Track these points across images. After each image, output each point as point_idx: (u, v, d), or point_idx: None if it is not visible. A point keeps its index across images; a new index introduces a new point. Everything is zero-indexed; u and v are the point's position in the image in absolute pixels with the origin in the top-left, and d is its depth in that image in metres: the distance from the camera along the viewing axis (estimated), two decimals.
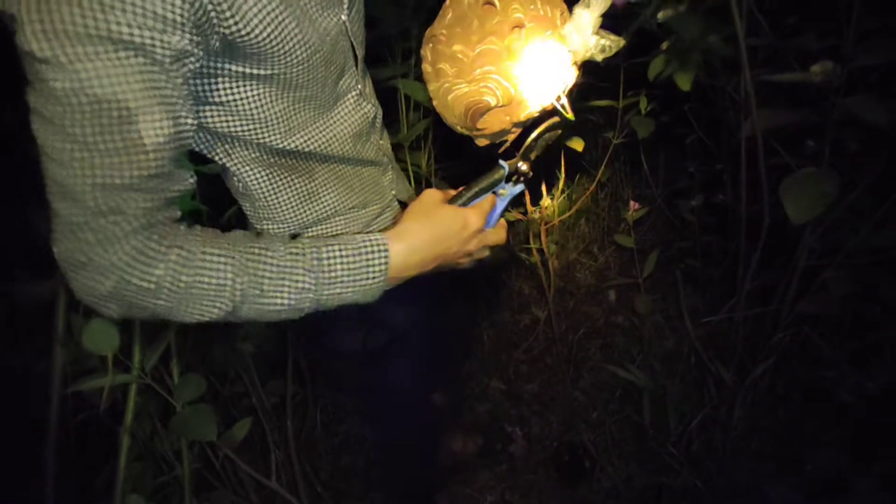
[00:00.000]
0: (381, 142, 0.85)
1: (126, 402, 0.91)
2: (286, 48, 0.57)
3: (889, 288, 1.07)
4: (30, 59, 0.45)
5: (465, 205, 0.70)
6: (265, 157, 0.70)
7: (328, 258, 0.61)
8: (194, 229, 0.58)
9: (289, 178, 0.73)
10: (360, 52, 0.75)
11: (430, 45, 0.75)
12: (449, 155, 1.53)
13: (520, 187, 0.72)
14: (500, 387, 1.78)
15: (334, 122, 0.73)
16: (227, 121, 0.64)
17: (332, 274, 0.61)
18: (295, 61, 0.59)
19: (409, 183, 1.47)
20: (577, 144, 1.66)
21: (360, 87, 0.76)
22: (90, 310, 0.88)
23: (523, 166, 0.72)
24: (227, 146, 0.68)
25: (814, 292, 1.11)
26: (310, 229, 0.79)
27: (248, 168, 0.70)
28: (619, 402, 1.62)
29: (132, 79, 0.46)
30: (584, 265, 2.07)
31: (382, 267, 0.63)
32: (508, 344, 1.88)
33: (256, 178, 0.72)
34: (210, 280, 0.55)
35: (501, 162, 0.71)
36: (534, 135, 0.71)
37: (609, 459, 1.49)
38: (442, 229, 0.66)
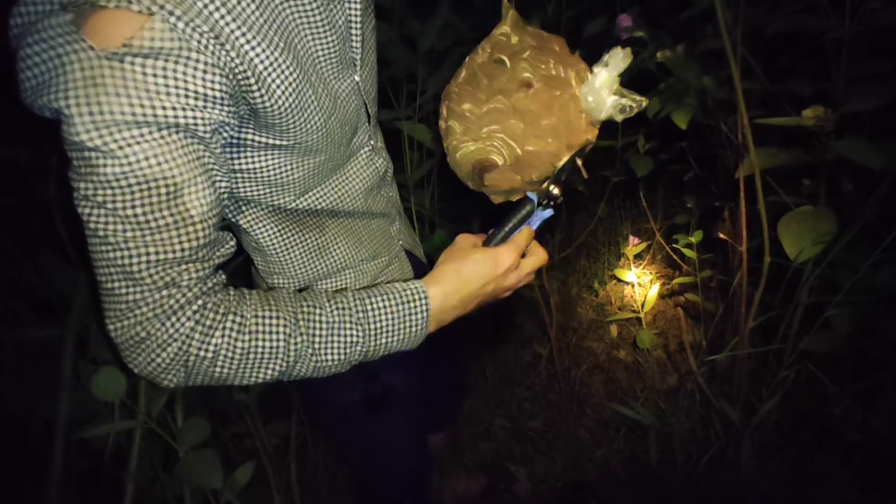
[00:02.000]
0: (390, 194, 0.87)
1: (130, 447, 0.90)
2: (305, 115, 0.59)
3: (890, 326, 1.07)
4: (78, 147, 0.46)
5: (498, 244, 0.70)
6: (277, 214, 0.71)
7: (372, 309, 0.61)
8: (243, 293, 0.59)
9: (300, 234, 0.74)
10: (373, 110, 0.77)
11: (446, 102, 0.74)
12: (452, 194, 1.55)
13: (549, 212, 0.71)
14: (503, 424, 1.76)
15: (347, 178, 0.75)
16: (246, 186, 0.66)
17: (378, 325, 0.62)
18: (313, 128, 0.61)
19: (413, 222, 1.49)
20: None
21: (372, 142, 0.77)
22: (97, 356, 0.88)
23: (554, 190, 0.70)
24: (240, 204, 0.69)
25: (817, 330, 1.11)
26: (320, 283, 0.80)
27: (259, 225, 0.72)
28: (625, 440, 1.60)
29: (176, 154, 0.48)
30: (584, 300, 2.08)
31: (424, 313, 0.64)
32: (511, 381, 1.87)
33: (268, 234, 0.73)
34: (265, 344, 0.56)
35: (529, 195, 0.70)
36: (564, 159, 0.70)
37: (615, 500, 1.46)
38: (474, 272, 0.66)
